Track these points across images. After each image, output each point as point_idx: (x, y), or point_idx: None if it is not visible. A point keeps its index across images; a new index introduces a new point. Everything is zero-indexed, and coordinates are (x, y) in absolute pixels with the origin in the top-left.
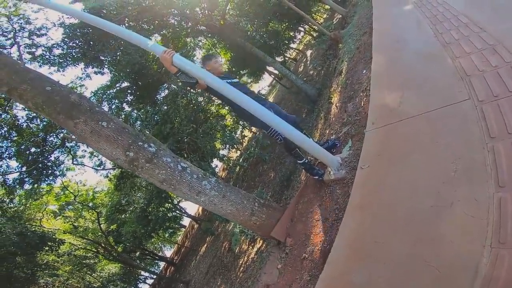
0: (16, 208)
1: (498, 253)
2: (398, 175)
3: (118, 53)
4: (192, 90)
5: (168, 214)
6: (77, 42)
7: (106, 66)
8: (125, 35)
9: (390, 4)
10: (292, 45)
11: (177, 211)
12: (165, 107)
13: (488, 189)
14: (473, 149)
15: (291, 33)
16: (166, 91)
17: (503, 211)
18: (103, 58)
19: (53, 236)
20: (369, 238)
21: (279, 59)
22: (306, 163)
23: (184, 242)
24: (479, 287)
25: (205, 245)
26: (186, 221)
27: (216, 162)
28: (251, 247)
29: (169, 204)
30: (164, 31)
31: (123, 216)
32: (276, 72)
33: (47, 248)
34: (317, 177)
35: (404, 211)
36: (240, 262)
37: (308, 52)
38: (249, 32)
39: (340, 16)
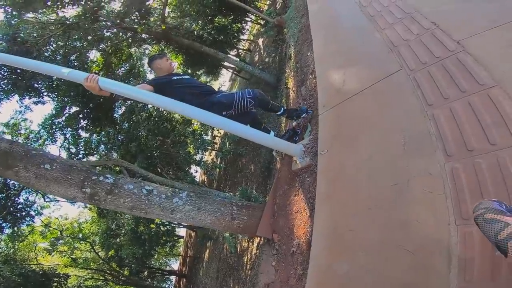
0: (6, 252)
1: (465, 231)
2: (353, 157)
3: (53, 78)
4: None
5: (161, 229)
6: (2, 72)
7: (44, 93)
8: (33, 66)
9: None
10: (243, 37)
11: (168, 225)
12: (126, 125)
13: (438, 159)
14: (415, 119)
15: (239, 25)
16: (123, 108)
17: (457, 183)
18: (37, 86)
19: (56, 272)
20: (343, 227)
21: (232, 53)
22: (286, 110)
23: (187, 252)
24: (457, 271)
25: (207, 251)
26: (182, 231)
27: (195, 168)
28: (251, 243)
29: (158, 220)
30: (102, 45)
31: (117, 240)
32: (232, 66)
33: (55, 284)
34: (304, 114)
35: (365, 194)
36: (245, 260)
37: (260, 41)
38: (195, 32)
39: (282, 0)
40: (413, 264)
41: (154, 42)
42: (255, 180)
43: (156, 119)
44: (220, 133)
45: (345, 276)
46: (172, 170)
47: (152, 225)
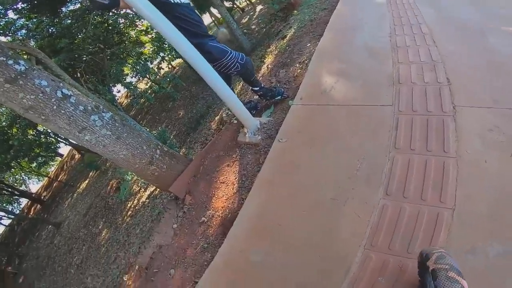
0: None
1: (368, 255)
2: (311, 159)
3: None
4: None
5: (40, 139)
6: None
7: None
8: None
9: None
10: None
11: (53, 137)
12: (69, 21)
13: (378, 194)
14: (378, 153)
15: None
16: (78, 5)
17: (382, 217)
18: None
19: None
20: (273, 218)
21: (227, 3)
22: (263, 88)
23: (58, 176)
24: (347, 285)
25: (87, 181)
26: (65, 150)
27: (120, 89)
28: (143, 190)
29: (41, 127)
30: None
31: None
32: (218, 16)
33: None
34: (279, 96)
35: (307, 198)
36: (129, 205)
37: (258, 7)
38: None
39: None
40: (319, 269)
41: None
42: (178, 127)
43: (109, 27)
44: (167, 69)
45: (257, 264)
46: (95, 81)
47: (30, 130)
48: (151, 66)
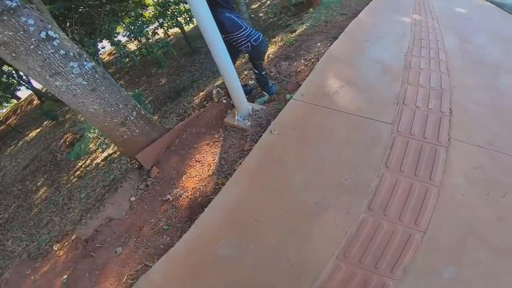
0: None
1: (338, 265)
2: (300, 158)
3: None
4: None
5: (4, 78)
6: None
7: None
8: None
9: (390, 9)
10: None
11: (15, 78)
12: None
13: (361, 207)
14: (369, 168)
15: None
16: None
17: (360, 230)
18: None
19: None
20: (250, 212)
21: None
22: (263, 76)
23: (8, 119)
24: None
25: (38, 130)
26: (24, 93)
27: (105, 44)
28: (100, 151)
29: (7, 67)
30: None
31: None
32: None
33: None
34: (269, 93)
35: (290, 198)
36: (80, 164)
37: None
38: None
39: None
40: (289, 272)
41: None
42: (156, 94)
43: None
44: (162, 35)
45: (224, 258)
46: (82, 33)
47: None
48: (146, 29)
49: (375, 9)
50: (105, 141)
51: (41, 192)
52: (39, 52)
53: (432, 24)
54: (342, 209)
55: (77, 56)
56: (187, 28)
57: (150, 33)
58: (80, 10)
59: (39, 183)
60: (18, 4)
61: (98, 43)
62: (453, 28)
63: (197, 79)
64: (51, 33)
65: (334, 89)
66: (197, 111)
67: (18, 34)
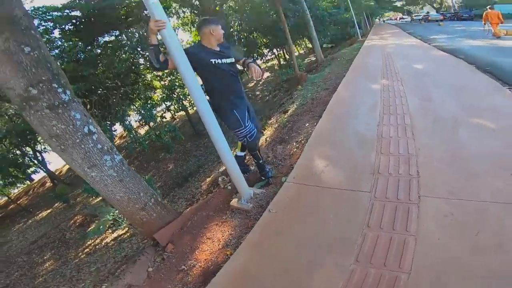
0: None
1: None
2: (293, 230)
3: None
4: (147, 54)
5: (21, 159)
6: None
7: None
8: None
9: (363, 76)
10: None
11: (34, 160)
12: (99, 51)
13: (349, 260)
14: (353, 230)
15: (265, 50)
16: (113, 38)
17: (350, 279)
18: None
19: None
20: (254, 275)
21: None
22: (261, 163)
23: (19, 199)
24: None
25: (49, 211)
26: (39, 175)
27: (117, 127)
28: (110, 231)
29: (30, 149)
30: None
31: None
32: None
33: None
34: (266, 177)
35: (287, 260)
36: (89, 242)
37: (266, 74)
38: None
39: (315, 59)
40: None
41: None
42: (164, 179)
43: (132, 66)
44: (169, 118)
45: None
46: (98, 115)
47: (18, 149)
48: (154, 112)
49: (351, 80)
50: (123, 222)
51: (47, 265)
52: (82, 146)
53: (398, 87)
54: (333, 264)
55: (110, 150)
56: (191, 111)
57: (159, 116)
58: (99, 92)
59: (46, 257)
60: (70, 97)
61: (113, 124)
62: (415, 88)
63: (202, 164)
64: (92, 127)
65: (320, 169)
66: (205, 197)
67: (69, 128)
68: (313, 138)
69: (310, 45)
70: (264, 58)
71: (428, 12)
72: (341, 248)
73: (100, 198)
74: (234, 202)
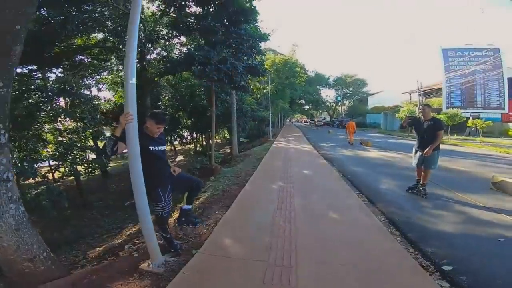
0: None
1: None
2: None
3: None
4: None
5: None
6: None
7: None
8: None
9: (267, 177)
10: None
11: None
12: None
13: None
14: (254, 285)
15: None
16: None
17: None
18: None
19: None
20: None
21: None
22: (169, 237)
23: None
24: None
25: None
26: None
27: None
28: None
29: None
30: None
31: None
32: None
33: None
34: (175, 250)
35: None
36: None
37: (179, 157)
38: None
39: (229, 151)
40: None
41: None
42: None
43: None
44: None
45: None
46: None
47: None
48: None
49: (258, 178)
50: None
51: None
52: None
53: (290, 189)
54: None
55: (17, 200)
56: (84, 179)
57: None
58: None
59: None
60: (5, 142)
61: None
62: (300, 190)
63: (85, 235)
64: (10, 175)
65: (228, 245)
66: (95, 264)
67: None
68: (222, 222)
69: (228, 136)
70: (182, 140)
71: (324, 118)
72: None
73: None
74: (144, 266)
